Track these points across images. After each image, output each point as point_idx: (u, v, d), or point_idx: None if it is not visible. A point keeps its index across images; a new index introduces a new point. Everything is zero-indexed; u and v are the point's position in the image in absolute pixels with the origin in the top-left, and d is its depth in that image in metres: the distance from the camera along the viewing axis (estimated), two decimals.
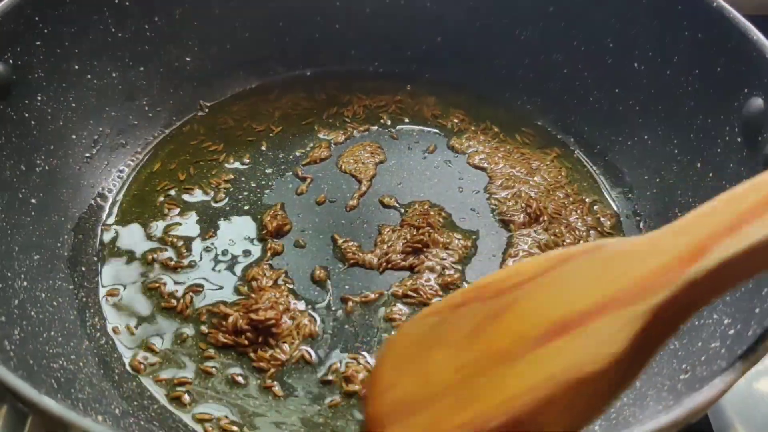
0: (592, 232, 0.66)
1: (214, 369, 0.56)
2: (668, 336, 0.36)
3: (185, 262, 0.63)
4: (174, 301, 0.60)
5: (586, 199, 0.69)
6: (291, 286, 0.61)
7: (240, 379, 0.55)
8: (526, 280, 0.41)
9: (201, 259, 0.63)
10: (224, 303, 0.60)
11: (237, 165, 0.72)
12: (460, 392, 0.41)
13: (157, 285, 0.61)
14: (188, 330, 0.58)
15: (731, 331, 0.49)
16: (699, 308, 0.36)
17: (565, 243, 0.65)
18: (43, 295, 0.55)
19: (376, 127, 0.77)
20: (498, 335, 0.41)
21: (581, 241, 0.65)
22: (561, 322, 0.37)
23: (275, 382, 0.55)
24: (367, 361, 0.57)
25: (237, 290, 0.61)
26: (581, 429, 0.39)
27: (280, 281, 0.61)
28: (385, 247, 0.64)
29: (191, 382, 0.55)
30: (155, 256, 0.63)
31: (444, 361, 0.43)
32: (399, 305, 0.60)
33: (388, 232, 0.65)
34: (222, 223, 0.66)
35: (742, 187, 0.35)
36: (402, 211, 0.68)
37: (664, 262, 0.35)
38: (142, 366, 0.56)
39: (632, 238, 0.39)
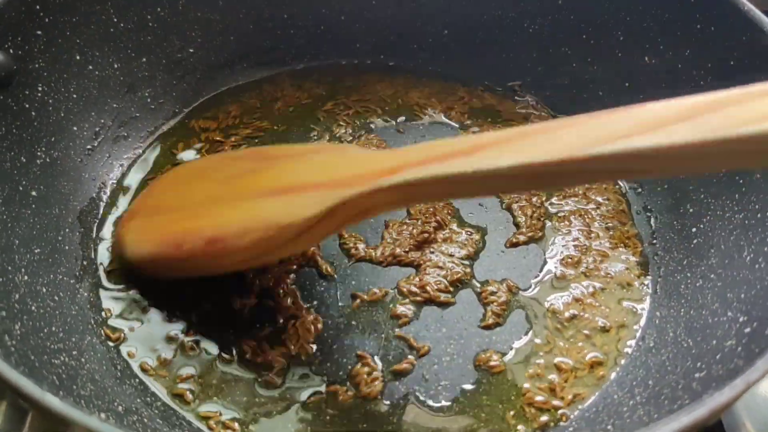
0: (601, 224, 0.65)
1: (218, 365, 0.55)
2: (347, 222, 0.51)
3: None
4: None
5: (597, 197, 0.68)
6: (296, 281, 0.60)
7: (245, 375, 0.55)
8: (292, 155, 0.56)
9: None
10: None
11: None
12: (195, 210, 0.56)
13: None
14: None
15: (747, 329, 0.48)
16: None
17: (574, 237, 0.64)
18: (44, 290, 0.54)
19: (381, 121, 0.76)
20: (244, 183, 0.55)
21: (591, 233, 0.64)
22: (287, 186, 0.51)
23: (280, 379, 0.54)
24: (373, 360, 0.56)
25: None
26: (256, 263, 0.57)
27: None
28: (391, 241, 0.63)
29: (195, 378, 0.54)
30: None
31: (199, 190, 0.58)
32: (406, 302, 0.59)
33: (394, 226, 0.64)
34: None
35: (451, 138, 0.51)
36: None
37: (368, 171, 0.47)
38: (145, 362, 0.55)
39: (365, 150, 0.57)
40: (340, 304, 0.59)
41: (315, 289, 0.60)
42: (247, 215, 0.52)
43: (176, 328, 0.57)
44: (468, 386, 0.55)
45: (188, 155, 0.70)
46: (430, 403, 0.54)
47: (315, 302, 0.59)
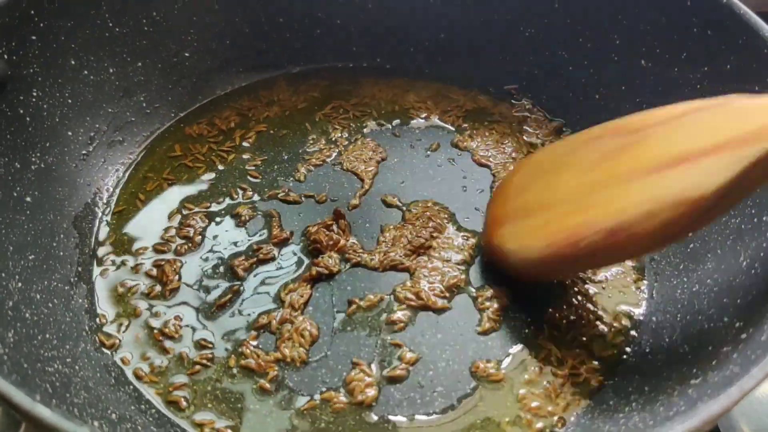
0: None
1: (213, 372, 0.55)
2: (760, 184, 0.45)
3: (184, 260, 0.62)
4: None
5: None
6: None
7: (239, 382, 0.54)
8: (658, 122, 0.49)
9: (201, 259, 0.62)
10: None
11: (237, 163, 0.70)
12: (576, 202, 0.51)
13: (154, 286, 0.60)
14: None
15: (743, 335, 0.48)
16: None
17: None
18: (38, 296, 0.54)
19: (377, 125, 0.75)
20: (621, 162, 0.50)
21: None
22: (679, 156, 0.46)
23: (274, 386, 0.54)
24: (368, 367, 0.55)
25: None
26: (664, 247, 0.54)
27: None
28: (386, 247, 0.63)
29: (189, 386, 0.54)
30: (153, 255, 0.62)
31: (568, 180, 0.53)
32: (402, 308, 0.59)
33: (390, 230, 0.64)
34: (221, 222, 0.65)
35: None
36: (404, 210, 0.67)
37: None
38: (139, 369, 0.55)
39: (754, 96, 0.45)
40: (335, 309, 0.59)
41: (311, 294, 0.60)
42: (646, 196, 0.47)
43: (170, 335, 0.57)
44: (463, 393, 0.54)
45: (184, 160, 0.70)
46: (426, 409, 0.53)
47: (310, 308, 0.59)
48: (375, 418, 0.53)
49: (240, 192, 0.67)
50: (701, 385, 0.47)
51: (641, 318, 0.59)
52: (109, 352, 0.56)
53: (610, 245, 0.49)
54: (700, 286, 0.57)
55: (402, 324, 0.58)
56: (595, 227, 0.49)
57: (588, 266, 0.56)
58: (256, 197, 0.67)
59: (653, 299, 0.60)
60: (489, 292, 0.60)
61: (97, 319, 0.58)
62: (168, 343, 0.56)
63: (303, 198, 0.67)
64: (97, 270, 0.61)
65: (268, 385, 0.54)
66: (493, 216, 0.60)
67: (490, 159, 0.72)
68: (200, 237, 0.64)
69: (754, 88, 0.56)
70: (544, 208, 0.54)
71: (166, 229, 0.64)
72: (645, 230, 0.47)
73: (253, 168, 0.70)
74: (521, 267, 0.56)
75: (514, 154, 0.72)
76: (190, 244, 0.63)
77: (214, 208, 0.66)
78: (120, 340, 0.57)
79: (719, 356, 0.48)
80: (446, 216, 0.66)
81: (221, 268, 0.61)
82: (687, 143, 0.46)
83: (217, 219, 0.65)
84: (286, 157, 0.71)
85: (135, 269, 0.61)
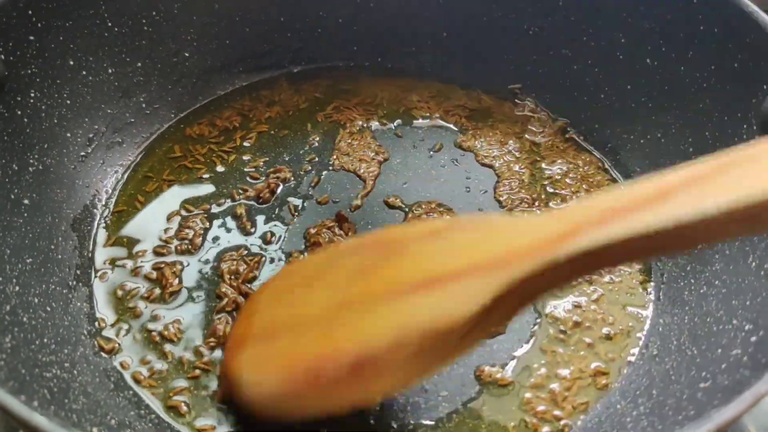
0: None
1: (214, 376, 0.54)
2: (518, 309, 0.41)
3: (185, 263, 0.61)
4: None
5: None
6: None
7: None
8: (419, 237, 0.45)
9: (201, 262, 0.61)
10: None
11: (237, 164, 0.70)
12: (325, 326, 0.44)
13: (154, 289, 0.59)
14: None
15: (753, 338, 0.47)
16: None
17: None
18: (36, 300, 0.53)
19: (379, 125, 0.75)
20: (375, 280, 0.44)
21: None
22: (433, 277, 0.41)
23: None
24: None
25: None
26: (417, 382, 0.47)
27: None
28: None
29: (190, 390, 0.53)
30: (153, 258, 0.61)
31: (319, 298, 0.46)
32: None
33: None
34: (222, 224, 0.64)
35: (624, 186, 0.39)
36: (407, 211, 0.66)
37: (533, 241, 0.38)
38: (139, 374, 0.54)
39: (517, 217, 0.44)
40: None
41: None
42: (393, 322, 0.41)
43: (170, 338, 0.56)
44: (468, 397, 0.54)
45: (184, 161, 0.69)
46: (430, 414, 0.53)
47: None
48: (378, 422, 0.52)
49: (241, 193, 0.67)
50: (711, 388, 0.46)
51: (648, 320, 0.59)
52: (108, 356, 0.55)
53: (355, 381, 0.42)
54: (708, 288, 0.56)
55: None
56: (338, 357, 0.42)
57: (336, 406, 0.45)
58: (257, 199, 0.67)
59: (660, 301, 0.60)
60: None
61: (96, 323, 0.57)
62: (168, 347, 0.56)
63: (305, 199, 0.67)
64: (95, 273, 0.60)
65: None
66: (235, 336, 0.51)
67: (494, 159, 0.71)
68: (200, 239, 0.63)
69: (762, 87, 0.55)
70: (289, 330, 0.46)
71: (166, 231, 0.63)
72: (390, 364, 0.41)
73: (254, 169, 0.69)
74: (257, 401, 0.47)
75: (517, 154, 0.71)
76: (190, 246, 0.62)
77: (215, 209, 0.65)
78: (119, 344, 0.56)
79: (728, 359, 0.48)
80: (450, 217, 0.65)
81: (221, 271, 0.60)
82: (442, 263, 0.42)
83: (218, 221, 0.64)
84: (287, 158, 0.70)
85: (134, 272, 0.60)
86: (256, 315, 0.50)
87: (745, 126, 0.57)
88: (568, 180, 0.69)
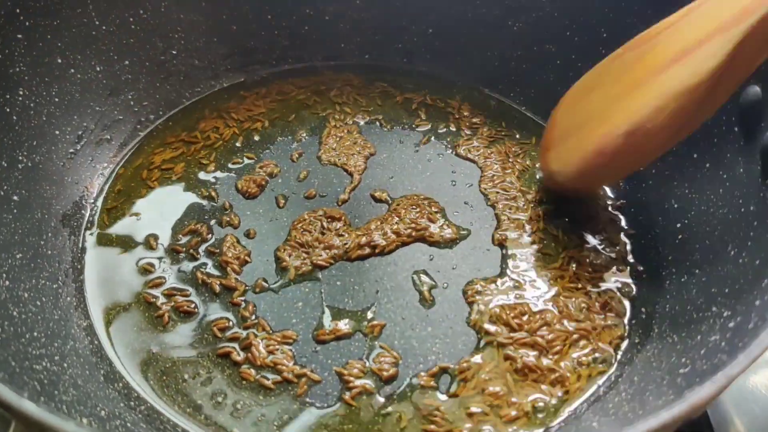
0: (587, 222, 0.65)
1: (201, 372, 0.55)
2: (757, 59, 0.49)
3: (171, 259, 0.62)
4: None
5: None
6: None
7: (228, 377, 0.54)
8: (667, 26, 0.55)
9: (187, 257, 0.62)
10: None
11: (224, 161, 0.70)
12: (601, 116, 0.57)
13: (142, 284, 0.60)
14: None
15: (731, 324, 0.48)
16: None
17: (559, 234, 0.64)
18: (26, 295, 0.54)
19: (366, 120, 0.75)
20: (637, 71, 0.55)
21: (577, 229, 0.64)
22: (681, 51, 0.51)
23: (262, 375, 0.54)
24: (360, 365, 0.55)
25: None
26: (678, 140, 0.56)
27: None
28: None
29: (180, 381, 0.54)
30: (142, 253, 0.62)
31: (596, 99, 0.59)
32: (388, 306, 0.59)
33: (378, 222, 0.64)
34: (210, 218, 0.65)
35: None
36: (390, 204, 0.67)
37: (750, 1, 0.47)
38: (129, 365, 0.55)
39: None
40: (325, 303, 0.59)
41: (300, 290, 0.60)
42: (654, 94, 0.52)
43: (160, 330, 0.57)
44: (457, 385, 0.54)
45: (172, 158, 0.70)
46: (419, 401, 0.53)
47: (300, 303, 0.59)
48: (369, 414, 0.53)
49: (229, 188, 0.67)
50: (690, 373, 0.47)
51: (630, 310, 0.59)
52: (97, 349, 0.55)
53: (630, 145, 0.54)
54: (689, 277, 0.57)
55: (392, 320, 0.58)
56: (616, 133, 0.55)
57: (625, 168, 0.61)
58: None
59: (642, 290, 0.60)
60: (478, 286, 0.60)
61: (85, 318, 0.57)
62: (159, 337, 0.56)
63: (292, 194, 0.67)
64: (85, 268, 0.61)
65: (253, 376, 0.54)
66: (543, 145, 0.66)
67: (479, 154, 0.72)
68: (188, 236, 0.63)
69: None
70: (578, 128, 0.60)
71: (155, 228, 0.64)
72: (657, 126, 0.52)
73: (241, 164, 0.70)
74: (566, 183, 0.63)
75: (501, 148, 0.72)
76: (178, 244, 0.63)
77: (204, 205, 0.66)
78: (109, 337, 0.56)
79: (707, 345, 0.48)
80: (437, 209, 0.66)
81: (206, 268, 0.61)
82: (686, 38, 0.51)
83: (206, 218, 0.65)
84: (274, 153, 0.71)
85: (123, 267, 0.61)
86: (554, 128, 0.64)
87: (724, 117, 0.58)
88: None
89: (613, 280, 0.61)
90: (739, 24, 0.47)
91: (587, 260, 0.62)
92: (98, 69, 0.69)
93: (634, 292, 0.60)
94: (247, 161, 0.70)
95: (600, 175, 0.61)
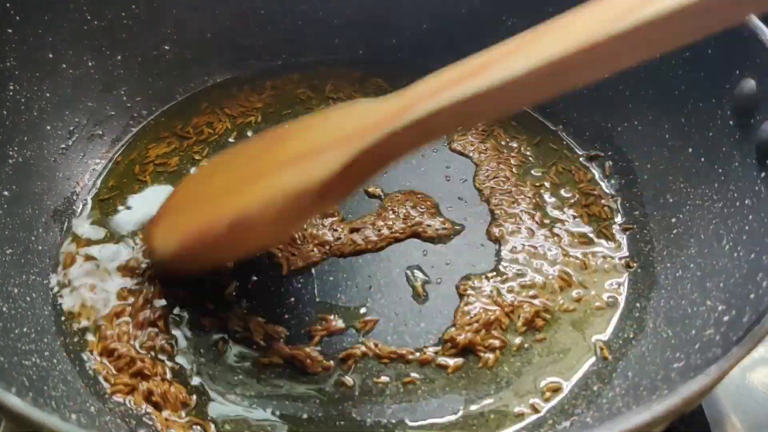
0: (580, 218, 0.65)
1: (191, 370, 0.55)
2: (369, 175, 0.49)
3: None
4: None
5: (578, 185, 0.68)
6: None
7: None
8: (302, 127, 0.55)
9: None
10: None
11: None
12: (217, 200, 0.55)
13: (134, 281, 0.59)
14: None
15: (726, 318, 0.48)
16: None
17: (554, 229, 0.64)
18: (16, 290, 0.54)
19: None
20: (260, 162, 0.54)
21: (571, 227, 0.64)
22: (301, 154, 0.50)
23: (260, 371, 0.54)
24: (353, 363, 0.55)
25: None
26: (283, 237, 0.59)
27: None
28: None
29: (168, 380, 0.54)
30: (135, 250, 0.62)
31: (219, 181, 0.57)
32: (382, 302, 0.59)
33: (371, 218, 0.64)
34: None
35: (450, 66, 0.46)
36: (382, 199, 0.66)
37: (377, 118, 0.46)
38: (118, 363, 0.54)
39: (371, 99, 0.49)
40: (318, 299, 0.59)
41: (292, 286, 0.59)
42: (265, 191, 0.51)
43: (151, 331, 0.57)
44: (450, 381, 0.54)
45: (165, 153, 0.70)
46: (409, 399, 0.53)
47: (292, 299, 0.59)
48: (359, 407, 0.53)
49: None
50: (684, 368, 0.47)
51: (624, 304, 0.59)
52: (87, 346, 0.55)
53: (233, 236, 0.52)
54: (684, 271, 0.57)
55: (384, 317, 0.58)
56: (221, 220, 0.52)
57: (223, 257, 0.58)
58: None
59: (637, 285, 0.60)
60: (472, 281, 0.60)
61: (75, 314, 0.57)
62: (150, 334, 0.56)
63: None
64: (75, 265, 0.60)
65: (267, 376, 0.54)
66: (154, 217, 0.61)
67: (473, 149, 0.71)
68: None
69: (735, 72, 0.56)
70: (191, 207, 0.58)
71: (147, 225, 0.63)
72: (259, 222, 0.50)
73: None
74: (164, 261, 0.58)
75: (496, 144, 0.72)
76: None
77: None
78: (99, 332, 0.56)
79: (702, 339, 0.48)
80: (431, 205, 0.66)
81: None
82: (310, 143, 0.50)
83: None
84: None
85: (115, 263, 0.61)
86: (171, 201, 0.61)
87: (719, 111, 0.58)
88: (544, 169, 0.70)
89: (608, 276, 0.61)
90: (360, 139, 0.46)
91: (582, 256, 0.62)
92: (90, 64, 0.68)
93: (628, 287, 0.60)
94: None
95: (198, 258, 0.57)
